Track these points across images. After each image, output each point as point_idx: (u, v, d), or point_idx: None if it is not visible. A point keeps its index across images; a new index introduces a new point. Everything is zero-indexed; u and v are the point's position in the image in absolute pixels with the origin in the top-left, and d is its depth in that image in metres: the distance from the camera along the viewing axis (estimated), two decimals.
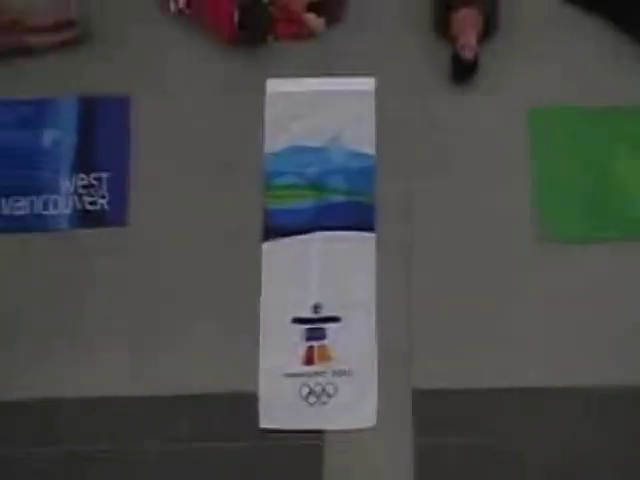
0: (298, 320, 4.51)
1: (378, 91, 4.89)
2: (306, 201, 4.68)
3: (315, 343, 4.47)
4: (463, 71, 4.90)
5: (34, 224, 4.68)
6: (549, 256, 4.52)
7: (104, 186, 4.71)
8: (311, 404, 4.41)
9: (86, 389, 4.28)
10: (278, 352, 4.48)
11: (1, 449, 4.16)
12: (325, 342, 4.49)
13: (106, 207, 4.68)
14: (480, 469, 4.22)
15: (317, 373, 4.41)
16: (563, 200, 4.67)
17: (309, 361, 4.46)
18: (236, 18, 4.91)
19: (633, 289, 4.47)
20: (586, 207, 4.62)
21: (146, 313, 4.50)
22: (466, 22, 4.86)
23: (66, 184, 4.71)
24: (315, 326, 4.49)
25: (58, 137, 4.83)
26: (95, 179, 4.74)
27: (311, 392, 4.40)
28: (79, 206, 4.68)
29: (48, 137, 4.82)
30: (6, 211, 4.66)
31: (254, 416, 4.33)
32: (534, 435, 4.11)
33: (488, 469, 4.21)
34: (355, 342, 4.50)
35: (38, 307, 4.49)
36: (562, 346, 4.28)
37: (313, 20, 5.09)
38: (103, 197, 4.72)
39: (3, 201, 4.64)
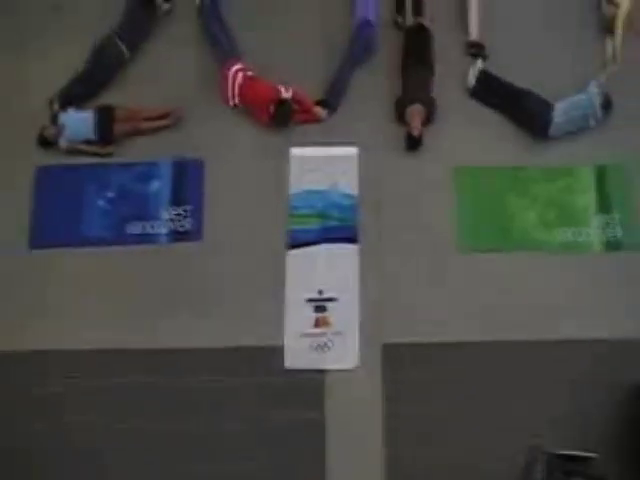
0: (309, 300, 6.67)
1: (359, 156, 7.06)
2: (314, 225, 6.88)
3: (320, 314, 6.63)
4: (413, 143, 7.03)
5: (144, 239, 6.81)
6: (466, 260, 6.65)
7: (188, 216, 6.87)
8: (317, 352, 6.53)
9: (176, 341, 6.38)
10: (297, 320, 6.59)
11: None
12: (326, 314, 6.64)
13: (189, 228, 6.83)
14: (430, 389, 6.32)
15: (321, 334, 6.56)
16: (476, 226, 6.79)
17: (316, 325, 6.60)
18: (272, 111, 7.01)
19: (519, 276, 6.55)
20: (490, 230, 6.78)
21: (216, 291, 6.56)
22: (415, 113, 7.01)
23: (164, 214, 6.86)
24: (320, 304, 6.65)
25: (160, 185, 6.98)
26: (182, 210, 6.87)
27: (317, 345, 6.53)
28: (172, 228, 6.84)
29: (154, 185, 6.98)
30: (128, 230, 6.78)
31: (282, 359, 6.42)
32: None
33: (438, 392, 6.33)
34: (345, 313, 6.62)
35: (159, 281, 6.60)
36: (478, 300, 6.46)
37: (319, 111, 7.21)
38: (187, 222, 6.87)
39: (127, 225, 6.77)
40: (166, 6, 7.72)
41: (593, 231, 6.83)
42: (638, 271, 6.77)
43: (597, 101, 7.07)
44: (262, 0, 8.01)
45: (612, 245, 6.76)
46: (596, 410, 6.43)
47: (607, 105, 7.07)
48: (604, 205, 6.89)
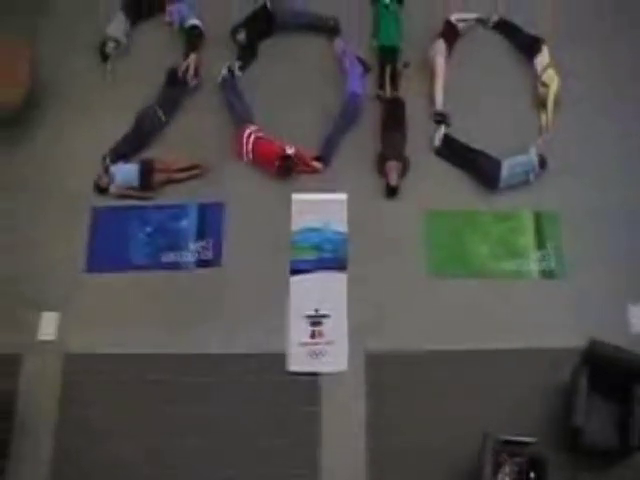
0: (307, 316, 7.82)
1: (348, 200, 8.25)
2: (312, 256, 8.02)
3: (315, 328, 7.77)
4: (391, 191, 8.20)
5: (175, 266, 8.02)
6: (434, 284, 7.89)
7: (210, 247, 8.06)
8: (313, 358, 7.65)
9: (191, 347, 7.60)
10: (297, 332, 7.72)
11: None
12: (321, 327, 7.76)
13: (211, 257, 8.03)
14: (404, 389, 7.45)
15: (316, 343, 7.69)
16: (441, 257, 8.00)
17: (312, 337, 7.73)
18: (278, 164, 8.19)
19: (475, 297, 7.75)
20: (453, 261, 7.99)
21: (233, 307, 7.75)
22: (392, 168, 8.19)
23: (191, 246, 8.08)
24: (315, 319, 7.78)
25: (188, 222, 8.18)
26: (206, 243, 8.07)
27: (314, 353, 7.65)
28: (198, 257, 8.05)
29: (183, 222, 8.17)
30: (163, 259, 7.99)
31: (285, 364, 7.58)
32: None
33: (410, 391, 7.46)
34: (336, 327, 7.74)
35: (187, 299, 7.81)
36: (443, 316, 7.68)
37: (316, 165, 8.37)
38: (209, 252, 8.07)
39: (162, 254, 7.98)
40: (195, 82, 8.78)
41: (532, 262, 8.02)
42: (566, 293, 7.83)
43: (535, 160, 8.18)
44: (270, 76, 8.92)
45: (547, 274, 7.93)
46: (535, 405, 7.46)
47: (542, 164, 8.21)
48: (540, 242, 8.06)
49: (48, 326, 7.75)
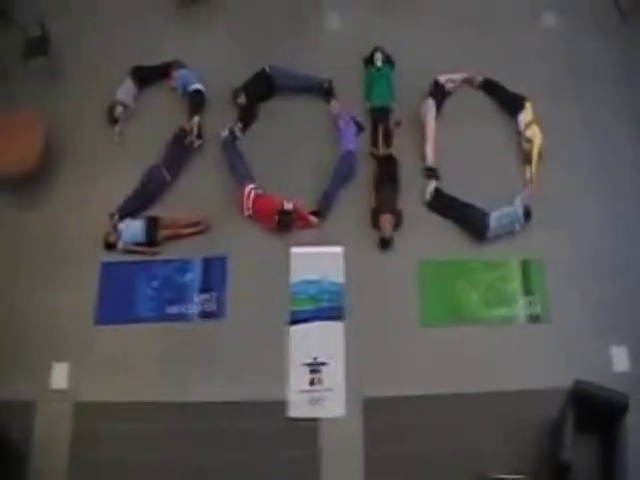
0: (306, 364, 8.23)
1: (344, 253, 8.71)
2: (310, 306, 8.45)
3: (314, 375, 8.17)
4: (385, 244, 8.66)
5: (180, 317, 8.47)
6: (427, 332, 8.29)
7: (214, 299, 8.52)
8: (313, 405, 8.07)
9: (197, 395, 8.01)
10: (297, 379, 8.14)
11: None
12: (319, 375, 8.17)
13: (214, 309, 8.48)
14: (400, 433, 7.86)
15: (315, 390, 8.10)
16: (434, 305, 8.42)
17: (312, 384, 8.14)
18: (277, 219, 8.68)
19: (466, 343, 8.16)
20: (445, 308, 8.41)
21: (235, 357, 8.18)
22: (386, 221, 8.65)
23: (196, 298, 8.53)
24: (314, 367, 8.19)
25: (192, 276, 8.65)
26: (209, 295, 8.53)
27: (313, 399, 8.07)
28: (202, 309, 8.50)
29: (188, 276, 8.65)
30: (168, 311, 8.45)
31: (285, 410, 8.01)
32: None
33: (406, 435, 7.86)
34: (334, 374, 8.14)
35: (192, 350, 8.24)
36: (437, 362, 8.08)
37: (313, 219, 8.83)
38: (213, 304, 8.51)
39: (168, 306, 8.43)
40: (198, 142, 9.32)
41: (519, 308, 8.46)
42: (552, 337, 8.30)
43: (521, 212, 8.65)
44: (270, 136, 9.45)
45: (533, 319, 8.40)
46: (525, 444, 7.88)
47: (528, 215, 8.68)
48: (527, 289, 8.52)
49: (60, 375, 8.24)
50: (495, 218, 8.66)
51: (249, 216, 8.95)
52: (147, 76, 9.86)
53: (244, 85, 9.61)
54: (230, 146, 9.26)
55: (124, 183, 9.12)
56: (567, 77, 9.73)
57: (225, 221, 9.00)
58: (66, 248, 8.92)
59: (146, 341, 8.44)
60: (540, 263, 8.61)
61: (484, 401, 8.02)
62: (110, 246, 8.78)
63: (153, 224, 8.83)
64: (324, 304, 8.51)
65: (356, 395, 8.12)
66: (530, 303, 8.42)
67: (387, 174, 9.07)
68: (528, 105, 9.26)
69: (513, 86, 9.55)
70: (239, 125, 9.43)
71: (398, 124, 9.38)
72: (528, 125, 9.14)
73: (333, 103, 9.55)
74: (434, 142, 9.25)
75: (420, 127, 9.36)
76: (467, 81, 9.67)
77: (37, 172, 9.24)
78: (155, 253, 8.85)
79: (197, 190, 9.19)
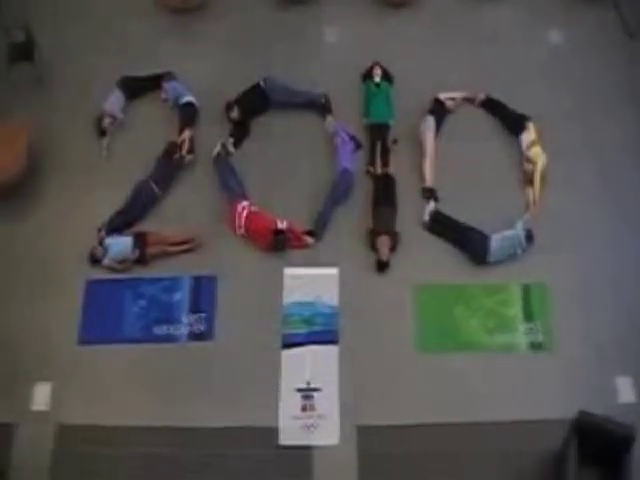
0: (299, 389, 8.18)
1: (340, 275, 8.69)
2: (303, 329, 8.42)
3: (307, 401, 8.13)
4: (382, 266, 8.66)
5: (168, 339, 8.39)
6: (423, 358, 8.24)
7: (203, 320, 8.46)
8: (305, 432, 8.01)
9: (194, 421, 7.91)
10: (289, 406, 8.09)
11: None
12: (312, 401, 8.14)
13: (204, 330, 8.42)
14: (394, 461, 7.77)
15: (308, 417, 8.05)
16: (431, 331, 8.39)
17: (304, 410, 8.10)
18: (270, 238, 8.66)
19: (464, 371, 8.08)
20: (442, 334, 8.37)
21: (225, 381, 8.08)
22: (383, 242, 8.67)
23: (184, 319, 8.47)
24: (307, 393, 8.15)
25: (181, 295, 8.59)
26: (198, 316, 8.47)
27: (305, 426, 8.02)
28: (190, 330, 8.43)
29: (177, 295, 8.59)
30: (155, 332, 8.37)
31: (276, 437, 7.94)
32: None
33: (400, 463, 7.76)
34: (327, 401, 8.11)
35: (179, 373, 8.11)
36: (434, 389, 8.03)
37: (308, 239, 8.84)
38: (202, 325, 8.44)
39: (155, 327, 8.35)
40: (189, 157, 9.32)
41: (520, 335, 8.45)
42: (555, 366, 8.25)
43: (522, 235, 8.68)
44: (264, 152, 9.48)
45: (534, 346, 8.38)
46: (527, 475, 7.84)
47: (529, 238, 8.71)
48: (528, 315, 8.52)
49: (41, 396, 8.13)
50: (496, 241, 8.74)
51: (242, 235, 8.94)
52: (136, 87, 9.89)
53: (237, 99, 9.64)
54: (222, 162, 9.29)
55: (113, 197, 9.08)
56: (571, 96, 9.83)
57: (216, 239, 9.00)
58: (51, 264, 8.87)
59: (132, 362, 8.37)
60: (542, 288, 8.68)
61: (483, 431, 8.00)
62: (96, 261, 8.71)
63: (141, 240, 8.78)
64: (317, 327, 8.51)
65: (350, 423, 8.08)
66: (531, 330, 8.45)
67: (384, 194, 9.12)
68: (531, 125, 9.35)
69: (516, 104, 9.60)
70: (231, 140, 9.45)
71: (395, 142, 9.46)
72: (530, 145, 9.20)
73: (329, 119, 9.59)
74: (433, 161, 9.27)
75: (419, 145, 9.41)
76: (468, 99, 9.75)
77: (21, 184, 9.17)
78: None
79: (187, 206, 9.21)
